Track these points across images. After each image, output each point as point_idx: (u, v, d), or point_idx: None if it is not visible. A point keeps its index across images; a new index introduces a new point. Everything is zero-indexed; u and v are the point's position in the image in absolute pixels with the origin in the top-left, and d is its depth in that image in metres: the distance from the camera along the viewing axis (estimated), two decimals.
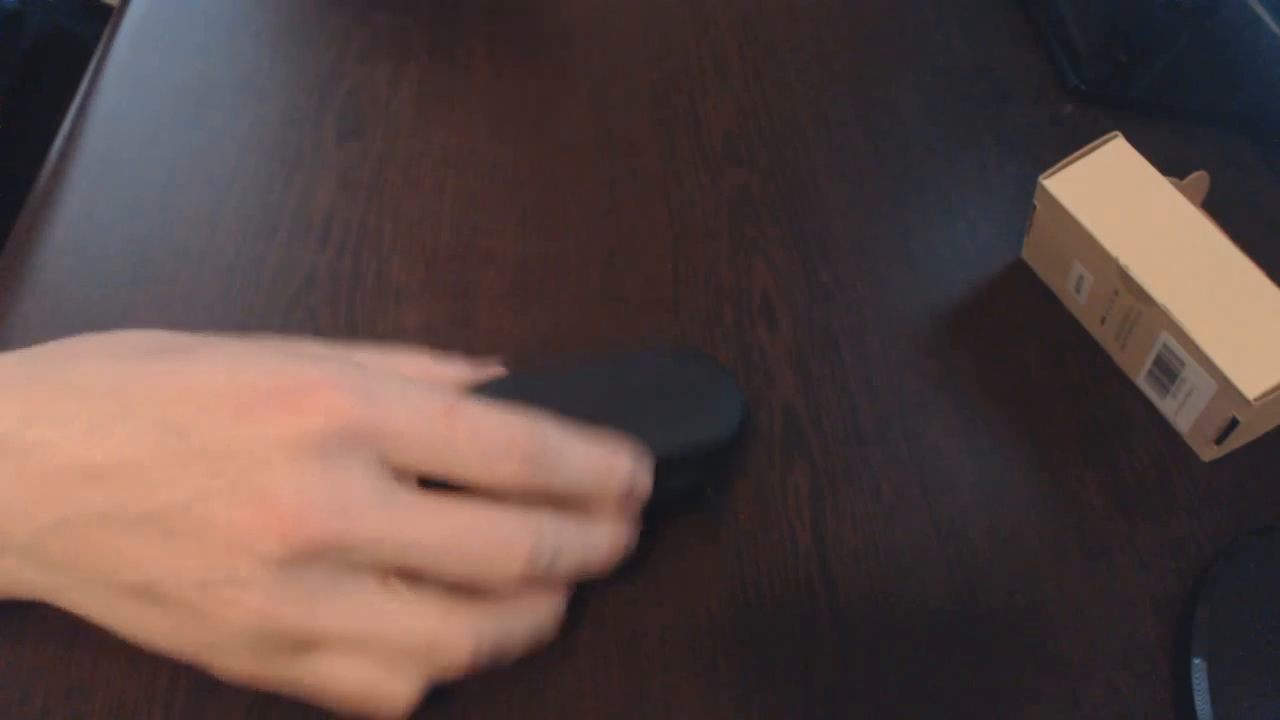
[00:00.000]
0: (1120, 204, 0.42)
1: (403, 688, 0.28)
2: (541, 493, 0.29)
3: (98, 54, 0.46)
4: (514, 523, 0.28)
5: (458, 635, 0.28)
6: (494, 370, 0.34)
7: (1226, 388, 0.38)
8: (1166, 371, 0.40)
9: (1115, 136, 0.43)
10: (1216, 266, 0.40)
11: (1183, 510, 0.39)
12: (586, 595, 0.34)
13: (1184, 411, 0.41)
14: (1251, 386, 0.37)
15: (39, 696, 0.30)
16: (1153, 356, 0.41)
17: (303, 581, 0.26)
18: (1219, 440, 0.39)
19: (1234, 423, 0.38)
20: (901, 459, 0.39)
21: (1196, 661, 0.34)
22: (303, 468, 0.26)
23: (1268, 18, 0.54)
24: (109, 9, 0.49)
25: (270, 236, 0.41)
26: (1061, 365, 0.43)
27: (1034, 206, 0.44)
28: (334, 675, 0.28)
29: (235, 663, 0.28)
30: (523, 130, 0.47)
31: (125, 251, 0.40)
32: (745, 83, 0.51)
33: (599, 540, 0.31)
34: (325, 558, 0.26)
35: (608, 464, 0.30)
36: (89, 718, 0.29)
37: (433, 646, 0.28)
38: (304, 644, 0.27)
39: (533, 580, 0.29)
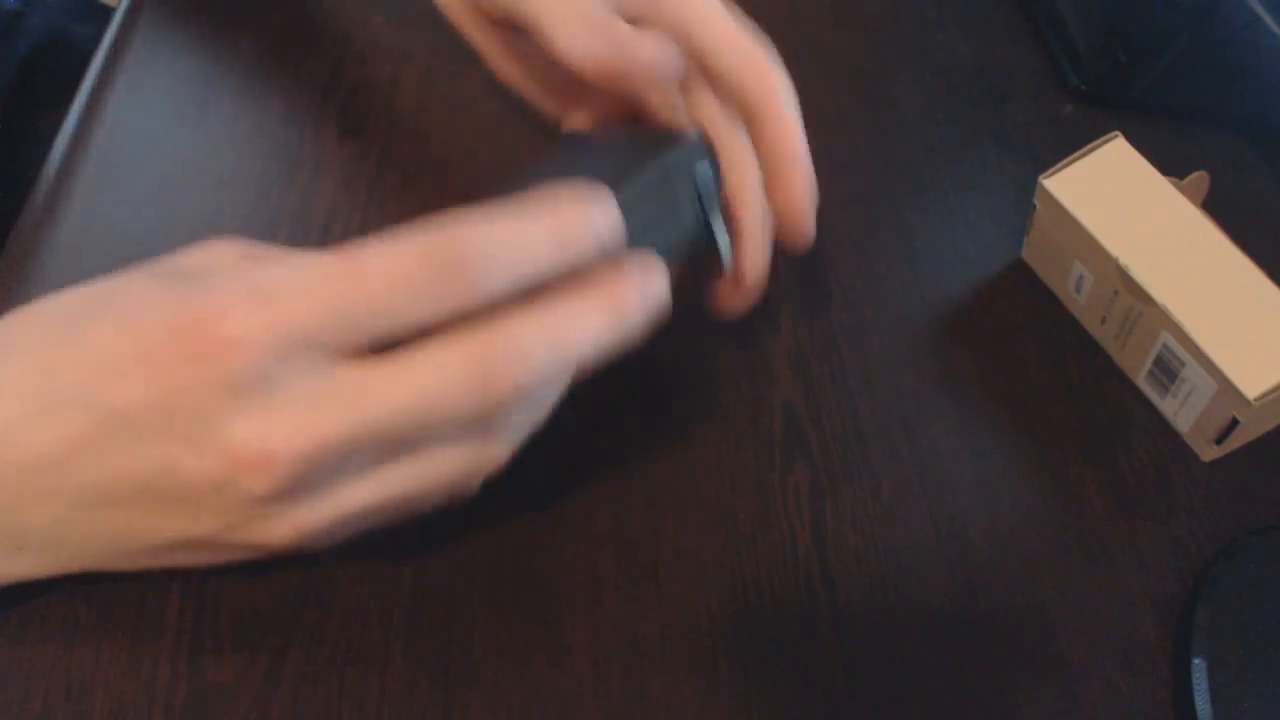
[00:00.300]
0: (1120, 204, 0.42)
1: (491, 448, 0.27)
2: (499, 300, 0.26)
3: (98, 54, 0.46)
4: (480, 347, 0.26)
5: (505, 351, 0.26)
6: None
7: (1226, 388, 0.38)
8: (1166, 371, 0.40)
9: (1115, 136, 0.43)
10: (1216, 266, 0.40)
11: (1183, 510, 0.39)
12: (586, 595, 0.34)
13: (1184, 411, 0.41)
14: (1251, 386, 0.37)
15: (39, 696, 0.30)
16: (1153, 356, 0.41)
17: (316, 490, 0.26)
18: (1219, 440, 0.39)
19: (1234, 423, 0.38)
20: (901, 459, 0.39)
21: (1196, 661, 0.34)
22: (245, 408, 0.25)
23: (1268, 18, 0.54)
24: (109, 9, 0.49)
25: (271, 236, 0.41)
26: (1061, 365, 0.43)
27: (1034, 206, 0.44)
28: (415, 481, 0.27)
29: (284, 528, 0.27)
30: (523, 130, 0.47)
31: (126, 251, 0.40)
32: None
33: (595, 309, 0.27)
34: (320, 466, 0.26)
35: (554, 228, 0.26)
36: (89, 718, 0.29)
37: (483, 378, 0.26)
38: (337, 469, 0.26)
39: (533, 390, 0.26)
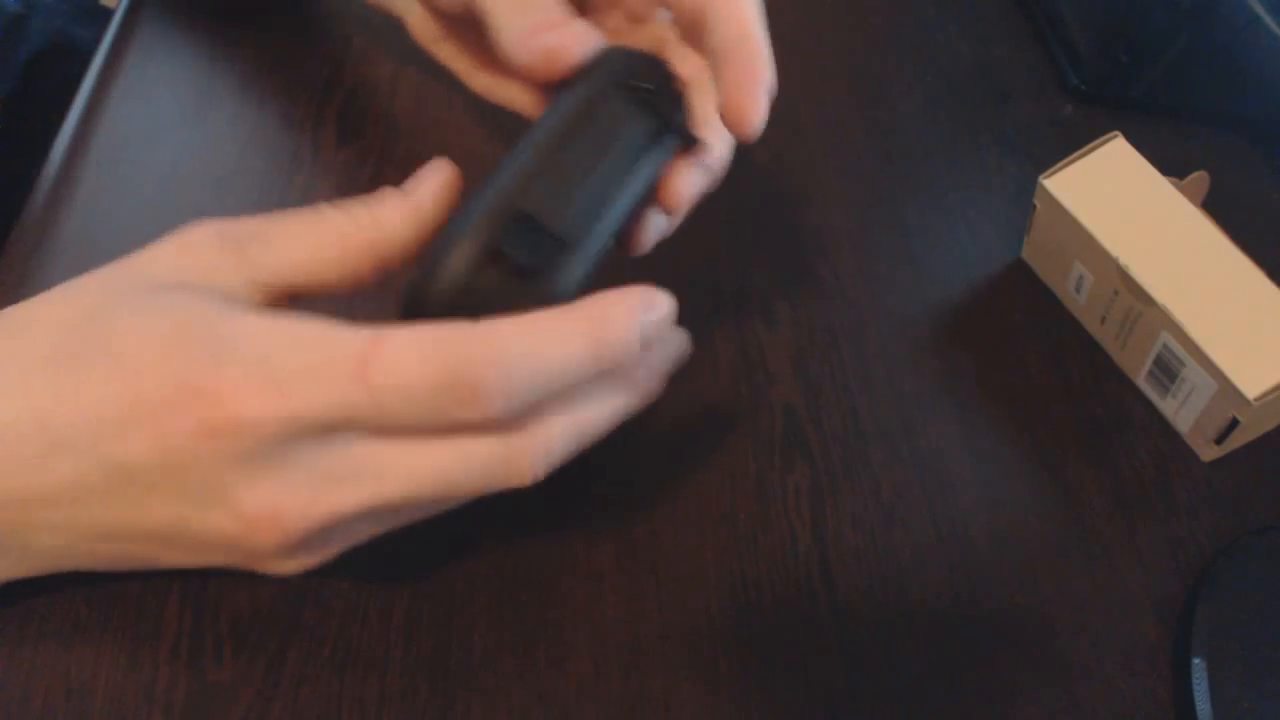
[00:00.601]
0: (1120, 204, 0.42)
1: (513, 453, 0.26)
2: (524, 410, 0.25)
3: (98, 55, 0.46)
4: (505, 450, 0.26)
5: (529, 443, 0.26)
6: (443, 174, 0.30)
7: (1226, 388, 0.38)
8: (1166, 371, 0.40)
9: (1115, 136, 0.43)
10: (1216, 266, 0.40)
11: (1183, 510, 0.39)
12: (586, 595, 0.34)
13: (1184, 411, 0.41)
14: (1251, 386, 0.37)
15: (39, 696, 0.30)
16: (1153, 356, 0.41)
17: (325, 546, 0.27)
18: (1219, 440, 0.39)
19: (1234, 423, 0.38)
20: (901, 459, 0.39)
21: (1196, 661, 0.34)
22: (256, 479, 0.25)
23: (1268, 18, 0.54)
24: (110, 11, 0.49)
25: None
26: (1061, 365, 0.43)
27: (1034, 206, 0.44)
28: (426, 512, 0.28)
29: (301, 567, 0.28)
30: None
31: (127, 252, 0.40)
32: None
33: (618, 399, 0.28)
34: (334, 531, 0.26)
35: (594, 338, 0.25)
36: (89, 718, 0.29)
37: (505, 464, 0.26)
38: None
39: (553, 466, 0.26)
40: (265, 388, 0.24)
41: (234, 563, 0.28)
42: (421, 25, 0.39)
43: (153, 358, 0.25)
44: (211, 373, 0.24)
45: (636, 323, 0.26)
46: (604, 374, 0.26)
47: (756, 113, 0.30)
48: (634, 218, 0.32)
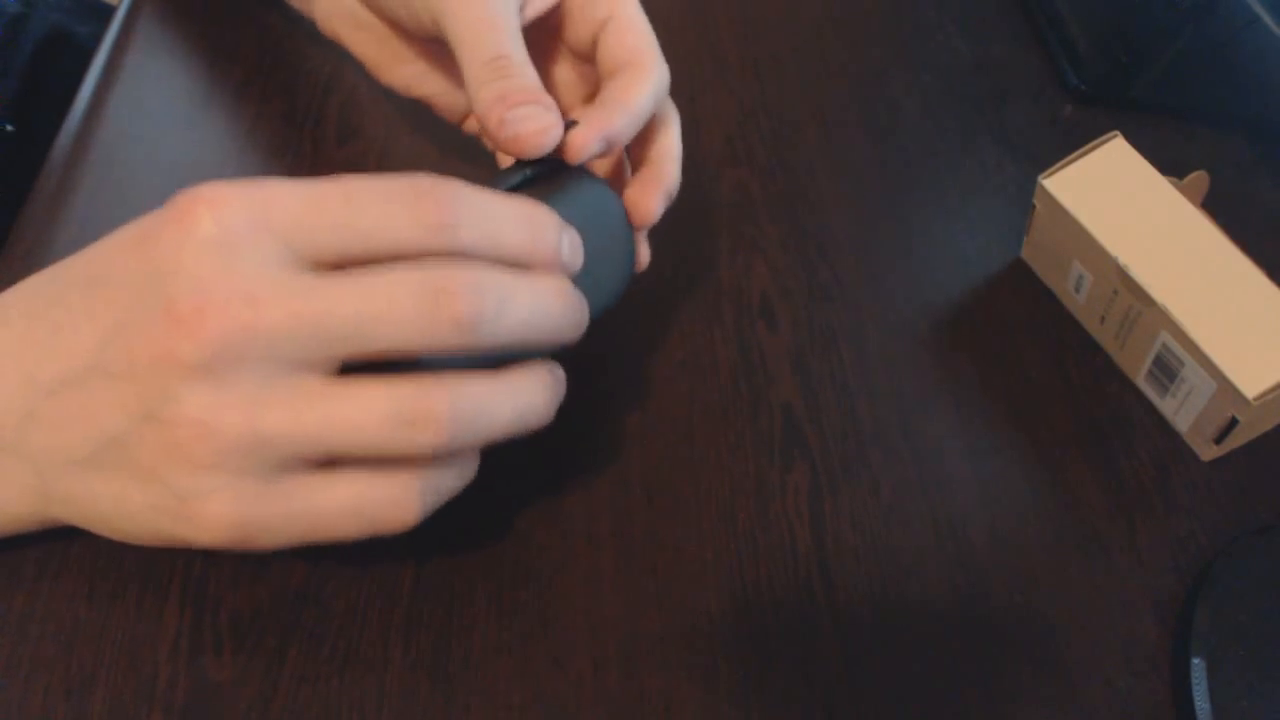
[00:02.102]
0: (1120, 204, 0.42)
1: (399, 490, 0.27)
2: (465, 246, 0.27)
3: (99, 54, 0.46)
4: (440, 266, 0.26)
5: (427, 404, 0.26)
6: None
7: (1226, 387, 0.38)
8: (1166, 371, 0.40)
9: (1115, 136, 0.43)
10: (1216, 266, 0.40)
11: (1183, 510, 0.39)
12: (586, 595, 0.34)
13: (1184, 411, 0.41)
14: (1251, 386, 0.37)
15: (39, 696, 0.30)
16: (1152, 356, 0.41)
17: (235, 386, 0.25)
18: (1218, 440, 0.39)
19: (1233, 422, 0.38)
20: (901, 459, 0.39)
21: (1196, 661, 0.34)
22: (200, 266, 0.25)
23: (1268, 18, 0.54)
24: (111, 8, 0.49)
25: None
26: (1061, 365, 0.43)
27: (1033, 206, 0.44)
28: (321, 497, 0.27)
29: (219, 507, 0.26)
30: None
31: None
32: (745, 83, 0.51)
33: (545, 289, 0.28)
34: (246, 354, 0.25)
35: (533, 218, 0.28)
36: (89, 718, 0.30)
37: (403, 422, 0.26)
38: (268, 460, 0.26)
39: (482, 323, 0.27)
40: (237, 184, 0.26)
41: (154, 396, 0.26)
42: (332, 10, 0.39)
43: (155, 212, 0.27)
44: (201, 185, 0.26)
45: (558, 225, 0.29)
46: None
47: (655, 214, 0.35)
48: None
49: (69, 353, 0.27)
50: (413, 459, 0.27)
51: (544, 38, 0.38)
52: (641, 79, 0.34)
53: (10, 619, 0.31)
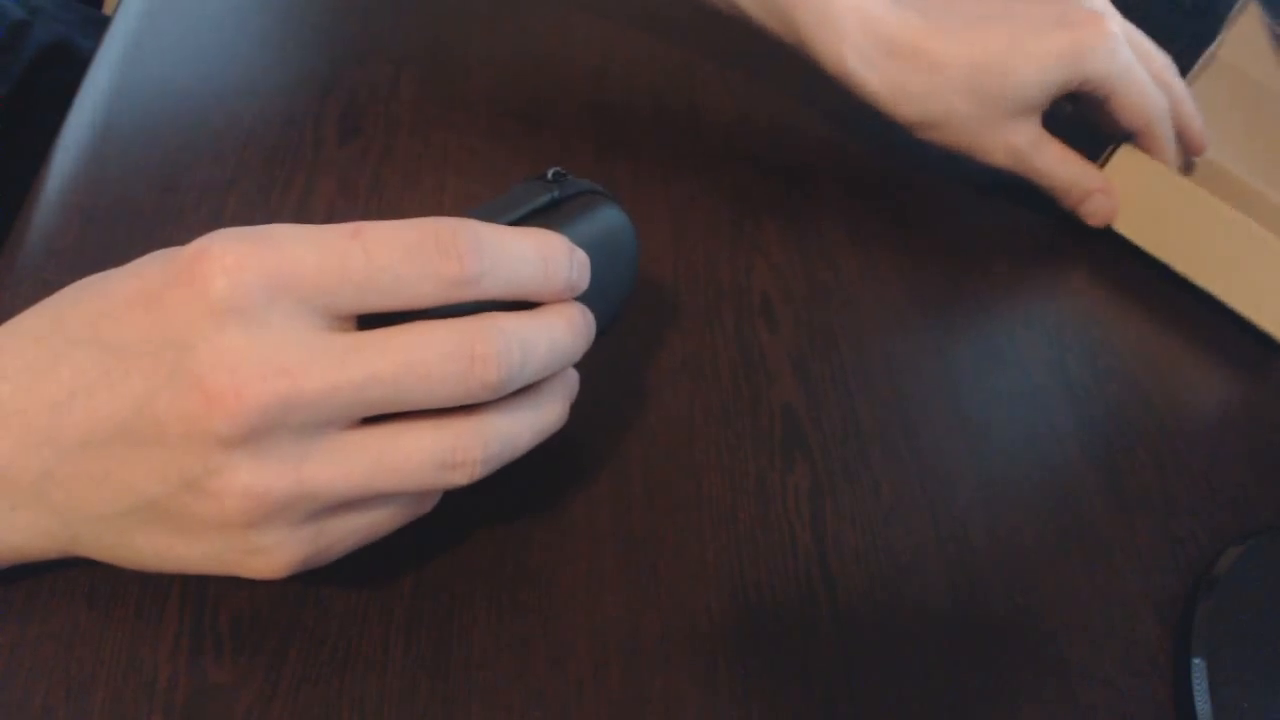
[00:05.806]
0: (1143, 206, 0.43)
1: (427, 505, 0.31)
2: (486, 296, 0.28)
3: (97, 55, 0.46)
4: (469, 327, 0.27)
5: (464, 453, 0.28)
6: None
7: None
8: None
9: (1121, 145, 0.43)
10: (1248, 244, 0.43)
11: (1183, 510, 0.39)
12: (586, 595, 0.34)
13: None
14: None
15: (39, 696, 0.30)
16: None
17: (275, 449, 0.26)
18: None
19: None
20: (901, 459, 0.39)
21: (1196, 661, 0.34)
22: (225, 337, 0.25)
23: (1268, 17, 0.54)
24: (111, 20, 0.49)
25: None
26: (1063, 365, 0.43)
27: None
28: (366, 519, 0.29)
29: (282, 555, 0.28)
30: (521, 130, 0.47)
31: (127, 253, 0.40)
32: (745, 82, 0.51)
33: (559, 326, 0.30)
34: (284, 422, 0.25)
35: (546, 252, 0.29)
36: (89, 718, 0.29)
37: (443, 467, 0.28)
38: (314, 511, 0.27)
39: (510, 382, 0.28)
40: (249, 241, 0.26)
41: (192, 465, 0.26)
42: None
43: (162, 255, 0.27)
44: (205, 240, 0.26)
45: (569, 253, 0.30)
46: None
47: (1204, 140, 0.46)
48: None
49: (89, 417, 0.26)
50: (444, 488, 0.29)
51: None
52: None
53: (10, 619, 0.31)
